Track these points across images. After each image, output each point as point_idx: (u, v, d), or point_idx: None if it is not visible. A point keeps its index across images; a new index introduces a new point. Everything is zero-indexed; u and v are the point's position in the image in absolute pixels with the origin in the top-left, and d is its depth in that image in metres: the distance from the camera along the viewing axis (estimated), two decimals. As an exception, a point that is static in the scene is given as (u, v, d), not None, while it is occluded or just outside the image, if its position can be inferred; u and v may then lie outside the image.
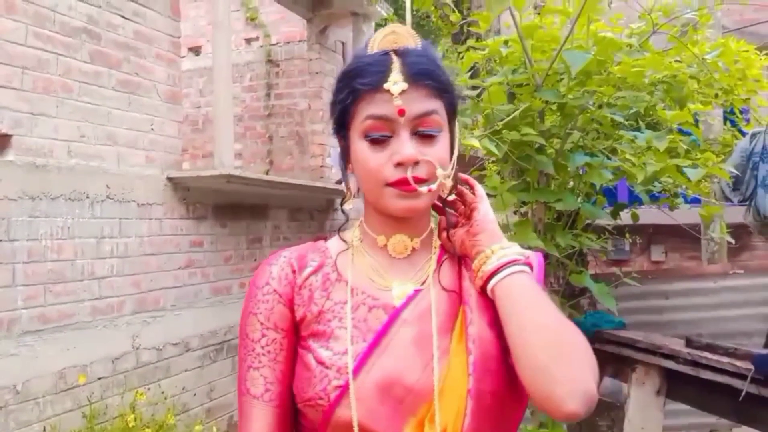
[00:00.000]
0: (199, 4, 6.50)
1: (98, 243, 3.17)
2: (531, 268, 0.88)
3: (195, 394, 3.74)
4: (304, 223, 5.26)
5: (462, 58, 2.39)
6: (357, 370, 0.83)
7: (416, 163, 0.84)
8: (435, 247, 0.94)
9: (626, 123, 2.41)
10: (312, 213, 5.40)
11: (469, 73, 2.34)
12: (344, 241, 0.96)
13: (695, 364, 2.23)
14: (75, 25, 3.10)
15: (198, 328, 3.83)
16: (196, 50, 6.65)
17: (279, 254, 0.95)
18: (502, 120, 2.18)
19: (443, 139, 0.87)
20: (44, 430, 2.76)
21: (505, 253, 0.87)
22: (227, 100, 3.88)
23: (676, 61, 2.55)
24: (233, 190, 4.06)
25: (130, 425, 2.82)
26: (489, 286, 0.86)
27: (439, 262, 0.93)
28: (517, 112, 2.18)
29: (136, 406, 2.99)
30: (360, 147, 0.87)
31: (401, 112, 0.83)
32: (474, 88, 2.29)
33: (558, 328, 0.82)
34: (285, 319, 0.90)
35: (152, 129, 3.58)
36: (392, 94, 0.83)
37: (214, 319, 3.97)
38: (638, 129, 2.54)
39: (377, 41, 0.87)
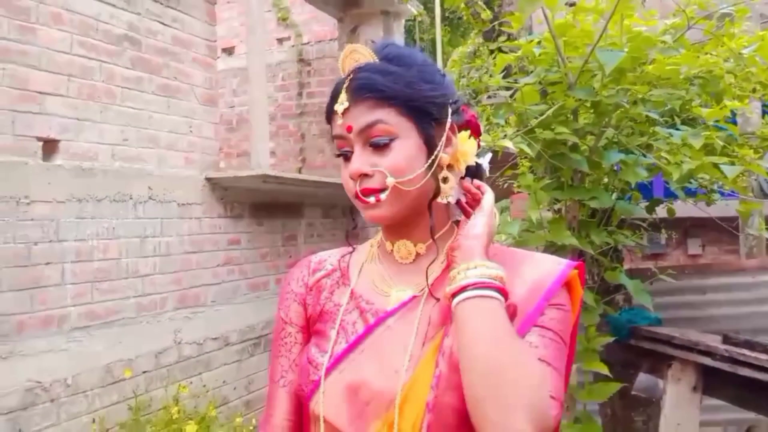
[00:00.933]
0: (232, 5, 6.62)
1: (141, 242, 3.29)
2: (503, 292, 0.81)
3: (234, 388, 3.85)
4: (338, 220, 5.33)
5: (494, 57, 2.41)
6: (330, 369, 0.89)
7: (366, 175, 0.88)
8: (444, 253, 0.94)
9: (661, 120, 2.40)
10: (345, 210, 5.46)
11: (503, 74, 2.36)
12: (364, 245, 1.04)
13: (733, 360, 2.22)
14: (117, 33, 3.21)
15: (237, 323, 3.93)
16: (229, 51, 6.77)
17: (306, 257, 1.05)
18: (535, 119, 2.20)
19: (399, 145, 0.88)
20: (93, 421, 2.88)
21: (467, 275, 0.82)
22: (263, 103, 3.97)
23: (712, 55, 2.53)
24: (269, 189, 4.15)
25: (174, 417, 2.93)
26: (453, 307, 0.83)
27: (445, 268, 0.92)
28: (550, 111, 2.20)
29: (179, 398, 3.10)
30: (341, 164, 0.93)
31: (348, 129, 0.88)
32: (507, 88, 2.31)
33: (497, 362, 0.76)
34: (300, 316, 1.00)
35: (190, 131, 3.69)
36: (338, 113, 0.89)
37: (251, 315, 4.08)
38: (674, 125, 2.53)
39: (342, 62, 0.92)
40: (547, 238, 2.31)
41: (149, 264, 3.32)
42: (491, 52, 2.51)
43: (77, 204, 2.95)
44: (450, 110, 0.92)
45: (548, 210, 2.82)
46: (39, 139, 2.81)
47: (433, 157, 0.89)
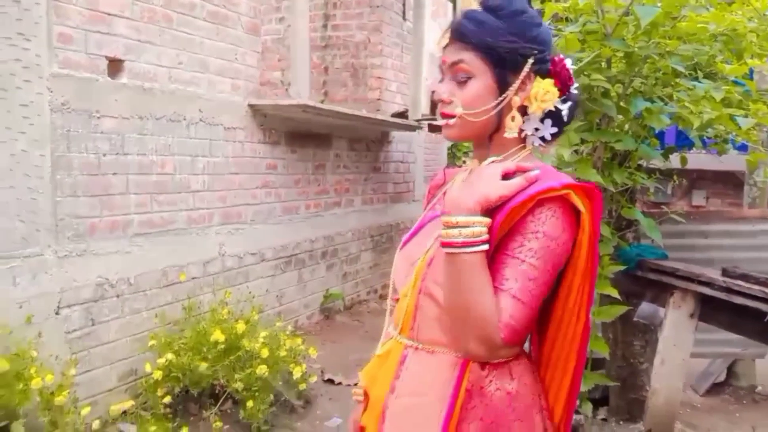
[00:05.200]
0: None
1: (192, 160, 3.56)
2: (481, 243, 1.02)
3: (268, 299, 4.20)
4: (361, 153, 5.59)
5: (544, 3, 2.61)
6: (402, 246, 1.25)
7: (446, 101, 1.12)
8: None
9: (686, 73, 2.62)
10: (369, 144, 5.71)
11: (549, 22, 2.56)
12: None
13: (729, 290, 2.53)
14: (176, -41, 3.37)
15: (271, 241, 4.25)
16: (259, -21, 6.81)
17: (438, 172, 1.38)
18: (575, 66, 2.42)
19: (474, 83, 1.09)
20: (156, 316, 3.23)
21: (448, 234, 1.03)
22: (304, 34, 4.15)
23: (738, 14, 2.72)
24: (303, 118, 4.38)
25: (224, 317, 3.28)
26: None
27: None
28: (588, 58, 2.42)
29: (226, 303, 3.44)
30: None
31: (443, 61, 1.13)
32: (554, 35, 2.52)
33: (456, 305, 1.04)
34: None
35: (236, 59, 3.89)
36: (441, 48, 1.14)
37: (284, 235, 4.40)
38: (696, 78, 2.75)
39: (462, 3, 1.16)
40: (574, 175, 2.58)
41: (199, 181, 3.60)
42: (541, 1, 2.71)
43: (139, 121, 3.20)
44: (531, 60, 1.08)
45: (575, 152, 3.07)
46: (107, 58, 3.03)
47: (500, 98, 1.09)
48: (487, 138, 1.15)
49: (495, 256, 1.04)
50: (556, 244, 1.03)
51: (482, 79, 1.09)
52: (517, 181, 1.05)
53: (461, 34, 1.10)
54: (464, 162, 1.34)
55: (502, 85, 1.09)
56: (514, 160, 1.14)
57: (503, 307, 1.01)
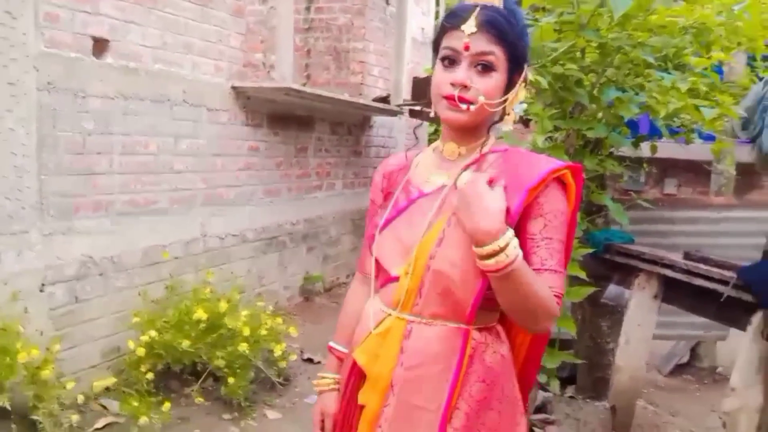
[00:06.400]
0: None
1: (176, 141, 3.60)
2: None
3: (249, 280, 4.27)
4: (343, 137, 5.65)
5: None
6: (382, 228, 1.30)
7: (466, 87, 1.16)
8: (477, 153, 1.25)
9: (656, 64, 2.74)
10: (350, 128, 5.77)
11: (526, 12, 2.66)
12: (428, 150, 1.39)
13: (689, 272, 2.68)
14: (161, -60, 3.39)
15: (253, 223, 4.32)
16: (242, -40, 6.78)
17: (386, 158, 1.46)
18: (549, 56, 2.53)
19: (496, 77, 1.17)
20: (138, 294, 3.29)
21: (497, 262, 1.09)
22: (288, 17, 4.19)
23: (707, 8, 2.84)
24: (286, 101, 4.43)
25: (206, 297, 3.35)
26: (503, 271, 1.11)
27: (467, 165, 1.25)
28: (563, 49, 2.52)
29: (208, 282, 3.51)
30: (437, 67, 1.22)
31: (466, 47, 1.16)
32: (529, 26, 2.61)
33: (527, 305, 1.15)
34: (379, 198, 1.40)
35: (220, 40, 3.92)
36: (464, 33, 1.16)
37: (265, 217, 4.46)
38: (666, 70, 2.87)
39: None
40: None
41: (182, 162, 3.64)
42: (518, -8, 2.80)
43: (123, 101, 3.23)
44: (526, 65, 1.23)
45: (548, 138, 3.19)
46: (93, 38, 3.05)
47: (509, 94, 1.21)
48: (483, 124, 1.25)
49: (521, 236, 1.17)
50: (564, 216, 1.21)
51: (501, 73, 1.19)
52: (501, 189, 1.15)
53: (496, 28, 1.17)
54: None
55: (510, 83, 1.21)
56: (486, 146, 1.27)
57: (551, 285, 1.17)
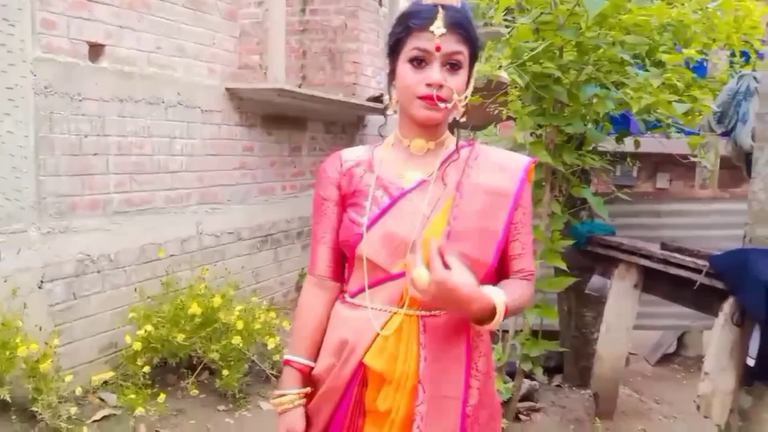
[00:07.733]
0: None
1: (170, 142, 3.70)
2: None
3: (244, 277, 4.37)
4: (337, 135, 5.74)
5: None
6: (369, 226, 1.28)
7: (440, 86, 1.20)
8: (447, 148, 1.32)
9: (633, 61, 2.82)
10: (344, 127, 5.86)
11: (504, 13, 2.75)
12: (383, 144, 1.38)
13: (666, 262, 2.76)
14: (153, -53, 3.49)
15: (248, 221, 4.42)
16: (236, -36, 6.87)
17: (336, 153, 1.41)
18: (527, 54, 2.62)
19: (463, 74, 1.23)
20: (134, 291, 3.39)
21: (496, 321, 1.21)
22: (280, 19, 4.28)
23: (682, 7, 2.93)
24: (279, 102, 4.53)
25: (201, 293, 3.44)
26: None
27: (445, 161, 1.30)
28: (540, 47, 2.61)
29: (203, 279, 3.61)
30: (404, 68, 1.24)
31: (438, 48, 1.20)
32: (506, 26, 2.71)
33: (520, 307, 1.32)
34: (335, 194, 1.35)
35: (213, 43, 4.02)
36: (434, 34, 1.20)
37: (260, 215, 4.56)
38: (644, 67, 2.96)
39: None
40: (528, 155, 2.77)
41: (177, 162, 3.74)
42: (495, -5, 2.89)
43: (119, 104, 3.34)
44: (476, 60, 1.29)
45: (530, 135, 3.28)
46: (88, 43, 3.15)
47: (470, 88, 1.28)
48: (444, 122, 1.31)
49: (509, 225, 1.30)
50: (531, 208, 1.38)
51: (466, 70, 1.25)
52: (456, 259, 1.16)
53: (462, 28, 1.22)
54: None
55: (469, 77, 1.28)
56: (450, 140, 1.36)
57: (528, 267, 1.35)
